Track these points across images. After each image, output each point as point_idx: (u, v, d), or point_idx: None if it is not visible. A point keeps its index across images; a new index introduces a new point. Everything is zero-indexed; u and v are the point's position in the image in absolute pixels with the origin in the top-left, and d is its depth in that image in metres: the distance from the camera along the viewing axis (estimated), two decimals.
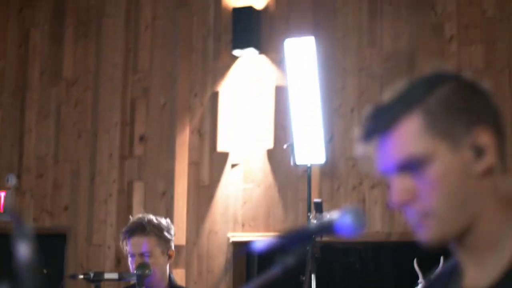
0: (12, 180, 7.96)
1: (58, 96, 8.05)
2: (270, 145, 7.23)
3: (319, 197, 6.74)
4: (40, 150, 8.03)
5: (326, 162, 6.47)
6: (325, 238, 6.56)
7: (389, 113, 1.52)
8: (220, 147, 7.40)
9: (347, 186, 6.89)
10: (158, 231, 3.93)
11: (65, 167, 7.92)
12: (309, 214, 6.27)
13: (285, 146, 6.77)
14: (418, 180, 1.50)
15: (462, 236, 1.52)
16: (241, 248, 7.15)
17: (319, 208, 5.13)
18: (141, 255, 3.90)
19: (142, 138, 7.70)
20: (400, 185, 1.52)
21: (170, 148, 7.50)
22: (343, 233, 1.61)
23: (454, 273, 1.62)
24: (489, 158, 1.50)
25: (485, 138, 1.50)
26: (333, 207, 6.77)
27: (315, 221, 5.18)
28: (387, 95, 1.55)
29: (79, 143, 7.91)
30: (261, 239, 1.73)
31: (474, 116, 1.50)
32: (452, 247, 1.58)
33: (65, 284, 6.81)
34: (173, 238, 4.01)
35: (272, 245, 1.66)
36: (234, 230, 7.17)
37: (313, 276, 6.28)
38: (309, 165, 6.63)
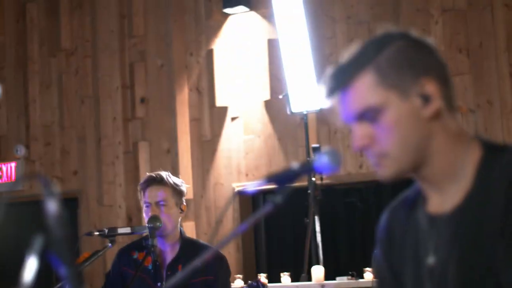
0: (21, 151, 8.20)
1: (59, 66, 8.29)
2: (267, 96, 7.46)
3: (317, 142, 6.99)
4: (45, 119, 8.30)
5: (322, 108, 6.65)
6: (326, 181, 6.86)
7: (345, 72, 1.82)
8: (219, 102, 7.63)
9: (343, 130, 7.08)
10: (174, 183, 4.16)
11: (71, 133, 8.18)
12: (308, 159, 6.54)
13: (280, 96, 7.01)
14: (375, 127, 1.79)
15: (417, 169, 1.83)
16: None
17: (317, 152, 5.37)
18: (157, 204, 4.08)
19: (143, 100, 7.94)
20: (360, 132, 1.81)
21: (170, 107, 7.74)
22: (322, 171, 1.92)
23: (418, 199, 1.93)
24: (435, 104, 1.78)
25: (430, 87, 1.78)
26: None
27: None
28: (344, 56, 1.85)
29: (83, 109, 8.16)
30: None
31: (419, 69, 1.78)
32: (415, 178, 1.89)
33: (80, 244, 7.08)
34: (185, 194, 4.23)
35: (261, 188, 1.94)
36: (239, 180, 7.45)
37: (316, 218, 6.57)
38: (305, 112, 6.87)
